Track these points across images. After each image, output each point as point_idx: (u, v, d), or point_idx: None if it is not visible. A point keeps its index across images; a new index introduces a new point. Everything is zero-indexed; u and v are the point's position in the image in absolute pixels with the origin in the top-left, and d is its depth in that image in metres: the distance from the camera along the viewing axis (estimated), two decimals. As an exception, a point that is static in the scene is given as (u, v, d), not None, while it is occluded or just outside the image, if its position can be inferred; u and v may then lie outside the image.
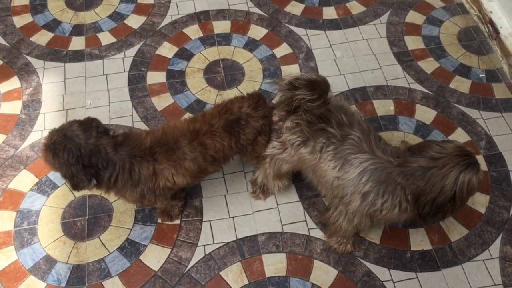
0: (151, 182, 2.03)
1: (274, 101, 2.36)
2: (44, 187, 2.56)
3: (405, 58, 3.13)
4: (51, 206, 2.50)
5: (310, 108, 1.96)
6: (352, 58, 3.13)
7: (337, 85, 3.00)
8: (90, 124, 1.92)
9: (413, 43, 3.21)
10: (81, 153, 1.85)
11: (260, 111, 2.19)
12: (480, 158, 2.69)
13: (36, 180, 2.59)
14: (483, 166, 2.65)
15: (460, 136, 2.77)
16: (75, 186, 1.91)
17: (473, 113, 2.87)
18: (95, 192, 2.48)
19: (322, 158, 2.09)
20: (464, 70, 3.08)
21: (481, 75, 3.05)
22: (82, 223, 2.45)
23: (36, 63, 3.06)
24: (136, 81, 3.00)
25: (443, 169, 1.80)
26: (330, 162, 2.06)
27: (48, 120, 2.81)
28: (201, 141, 2.06)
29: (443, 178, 1.79)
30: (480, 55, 3.16)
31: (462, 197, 1.82)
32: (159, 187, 2.07)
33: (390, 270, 2.34)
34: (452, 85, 3.00)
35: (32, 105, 2.88)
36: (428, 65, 3.10)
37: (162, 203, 2.23)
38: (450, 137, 2.77)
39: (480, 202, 2.54)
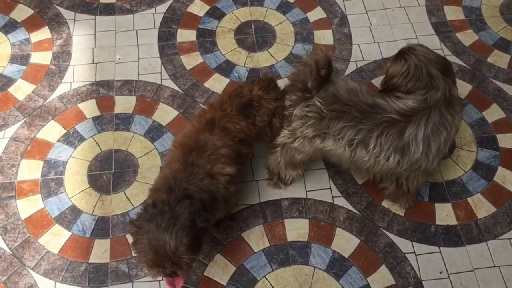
0: (218, 184, 1.95)
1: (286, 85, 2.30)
2: (71, 139, 2.58)
3: (443, 29, 3.02)
4: (77, 158, 2.53)
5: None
6: (388, 26, 3.04)
7: (370, 53, 2.93)
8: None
9: (452, 13, 3.10)
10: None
11: (272, 93, 2.15)
12: (514, 137, 2.62)
13: (64, 131, 2.60)
14: (517, 145, 2.59)
15: (494, 112, 2.69)
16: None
17: (510, 89, 2.78)
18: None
19: (362, 154, 2.02)
20: (504, 45, 2.97)
21: (521, 51, 2.94)
22: (108, 177, 2.47)
23: (67, 14, 3.04)
24: (166, 38, 2.96)
25: None
26: (380, 156, 2.00)
27: (78, 73, 2.81)
28: (221, 126, 2.02)
29: None
30: (522, 29, 3.04)
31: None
32: (224, 185, 1.98)
33: (413, 242, 2.32)
34: (490, 60, 2.90)
35: (62, 57, 2.87)
36: (467, 37, 2.99)
37: (238, 195, 2.18)
38: (484, 113, 2.69)
39: (510, 180, 2.48)
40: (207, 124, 2.02)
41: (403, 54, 2.09)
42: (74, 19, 3.03)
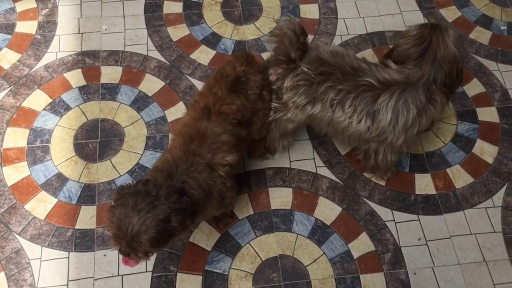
0: (215, 178, 1.92)
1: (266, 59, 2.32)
2: (57, 108, 2.58)
3: (427, 5, 3.06)
4: (63, 127, 2.54)
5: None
6: (373, 1, 3.07)
7: (356, 28, 2.96)
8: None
9: (437, -11, 3.15)
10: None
11: (254, 66, 2.15)
12: (493, 110, 2.68)
13: (50, 100, 2.61)
14: (496, 118, 2.65)
15: (475, 86, 2.75)
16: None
17: (490, 65, 2.84)
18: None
19: (338, 115, 2.07)
20: (485, 21, 3.02)
21: (502, 27, 2.99)
22: (94, 145, 2.49)
23: (52, -16, 3.02)
24: (152, 9, 2.96)
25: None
26: (353, 117, 2.05)
27: (63, 42, 2.80)
28: (217, 112, 1.98)
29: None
30: (504, 6, 3.09)
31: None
32: (223, 178, 1.95)
33: (393, 211, 2.39)
34: (472, 36, 2.95)
35: (48, 26, 2.86)
36: (450, 13, 3.04)
37: (235, 195, 2.16)
38: (465, 88, 2.75)
39: (488, 152, 2.56)
40: (203, 112, 1.99)
41: (429, 26, 2.08)
42: (60, -12, 3.01)
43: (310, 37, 2.78)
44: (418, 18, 3.00)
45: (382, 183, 2.45)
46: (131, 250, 1.71)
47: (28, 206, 2.32)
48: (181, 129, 1.99)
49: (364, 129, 2.08)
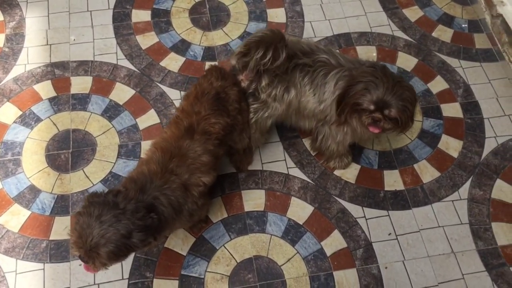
0: (187, 197, 1.94)
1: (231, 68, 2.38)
2: (27, 120, 2.58)
3: (390, 6, 3.15)
4: (35, 139, 2.54)
5: (271, 67, 2.07)
6: (338, 4, 3.14)
7: (322, 30, 3.02)
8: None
9: (399, -9, 3.23)
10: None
11: (228, 79, 2.18)
12: (456, 106, 2.77)
13: (20, 112, 2.61)
14: (459, 113, 2.74)
15: (438, 83, 2.84)
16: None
17: (453, 62, 2.93)
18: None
19: (302, 92, 2.19)
20: (447, 20, 3.11)
21: (463, 25, 3.09)
22: (66, 156, 2.50)
23: (18, -4, 3.02)
24: (120, 18, 2.98)
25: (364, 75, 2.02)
26: (310, 92, 2.18)
27: (32, 54, 2.80)
28: (200, 131, 2.00)
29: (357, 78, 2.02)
30: (464, 5, 3.19)
31: (352, 95, 2.02)
32: (196, 198, 1.98)
33: (364, 208, 2.45)
34: (434, 34, 3.04)
35: (15, 39, 2.86)
36: (413, 13, 3.12)
37: (207, 208, 2.21)
38: (429, 85, 2.83)
39: (453, 147, 2.64)
40: (186, 131, 2.00)
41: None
42: (27, 1, 3.01)
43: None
44: (382, 18, 3.07)
45: (353, 180, 2.51)
46: (89, 259, 1.72)
47: (1, 220, 2.32)
48: (161, 144, 1.99)
49: (315, 103, 2.20)
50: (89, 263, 1.73)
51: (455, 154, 2.62)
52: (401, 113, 1.98)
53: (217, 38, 2.96)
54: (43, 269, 2.22)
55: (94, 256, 1.69)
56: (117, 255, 1.71)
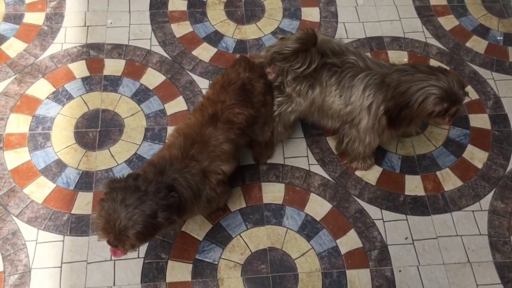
0: (206, 184, 1.97)
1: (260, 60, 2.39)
2: (60, 97, 2.66)
3: (426, 13, 3.13)
4: (65, 115, 2.61)
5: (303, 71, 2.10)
6: (373, 7, 3.14)
7: (355, 32, 3.03)
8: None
9: (436, -1, 3.21)
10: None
11: (255, 71, 2.20)
12: (485, 117, 2.74)
13: (53, 89, 2.68)
14: (487, 125, 2.71)
15: (469, 93, 2.80)
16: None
17: (485, 73, 2.90)
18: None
19: (328, 92, 2.19)
20: (482, 31, 3.08)
21: (498, 38, 3.05)
22: (94, 134, 2.56)
23: (61, -23, 3.11)
24: (157, 6, 3.04)
25: (413, 82, 2.02)
26: (336, 92, 2.18)
27: (69, 34, 2.88)
28: (224, 120, 2.03)
29: (409, 88, 2.01)
30: (501, 17, 3.15)
31: (416, 108, 2.02)
32: (214, 185, 2.00)
33: (382, 210, 2.44)
34: (468, 44, 3.01)
35: (55, 18, 2.94)
36: (448, 21, 3.10)
37: (226, 197, 2.25)
38: (459, 94, 2.80)
39: (478, 158, 2.61)
40: (211, 118, 2.03)
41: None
42: (68, -17, 3.09)
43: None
44: (416, 25, 3.06)
45: (373, 182, 2.50)
46: (119, 243, 1.76)
47: (26, 190, 2.39)
48: (184, 130, 2.02)
49: (341, 104, 2.20)
50: (118, 247, 1.78)
51: (479, 165, 2.59)
52: (464, 92, 2.10)
53: (250, 32, 2.99)
54: (63, 241, 2.28)
55: (124, 239, 1.74)
56: (145, 235, 1.76)
